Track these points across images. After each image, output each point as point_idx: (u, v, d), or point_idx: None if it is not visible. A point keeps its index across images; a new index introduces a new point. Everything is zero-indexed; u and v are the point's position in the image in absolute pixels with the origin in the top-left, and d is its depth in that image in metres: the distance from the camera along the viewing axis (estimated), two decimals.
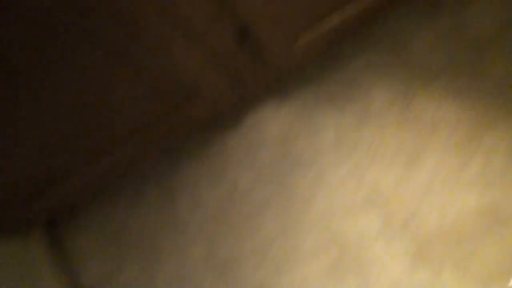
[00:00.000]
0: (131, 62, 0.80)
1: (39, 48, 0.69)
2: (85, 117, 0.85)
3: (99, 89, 0.81)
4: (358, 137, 1.15)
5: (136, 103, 0.88)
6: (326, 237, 1.08)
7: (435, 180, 1.06)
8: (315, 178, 1.14)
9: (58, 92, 0.77)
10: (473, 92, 1.11)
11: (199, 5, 0.77)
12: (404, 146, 1.11)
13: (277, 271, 1.07)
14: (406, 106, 1.14)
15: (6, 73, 0.70)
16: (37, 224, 1.07)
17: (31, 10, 0.64)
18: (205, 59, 0.88)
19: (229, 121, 1.24)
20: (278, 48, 0.97)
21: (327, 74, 1.21)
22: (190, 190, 1.20)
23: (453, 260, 0.99)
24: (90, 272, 1.18)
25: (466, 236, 1.01)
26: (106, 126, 0.91)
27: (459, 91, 1.13)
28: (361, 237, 1.06)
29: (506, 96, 1.09)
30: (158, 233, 1.18)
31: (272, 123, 1.22)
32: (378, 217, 1.06)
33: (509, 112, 1.07)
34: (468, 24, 1.15)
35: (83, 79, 0.78)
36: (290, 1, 0.88)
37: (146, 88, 0.87)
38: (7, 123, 0.78)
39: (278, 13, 0.89)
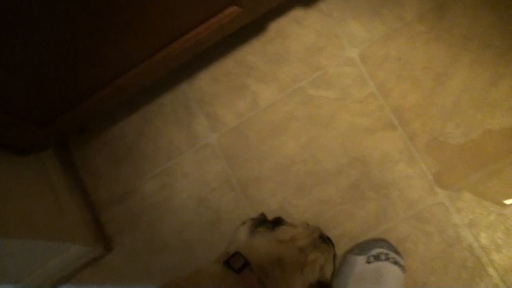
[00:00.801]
0: None
1: None
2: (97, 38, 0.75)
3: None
4: (385, 54, 1.08)
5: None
6: (348, 157, 1.06)
7: (462, 99, 1.03)
8: (339, 98, 1.09)
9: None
10: (510, 7, 1.04)
11: None
12: (433, 63, 1.05)
13: (297, 192, 1.07)
14: (438, 19, 1.06)
15: None
16: (49, 147, 1.01)
17: None
18: None
19: (250, 33, 1.15)
20: None
21: None
22: (208, 107, 1.14)
23: (474, 181, 1.00)
24: (104, 190, 1.15)
25: (488, 157, 1.00)
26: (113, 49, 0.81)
27: (497, 3, 1.04)
28: (383, 158, 1.04)
29: None
30: (174, 151, 1.14)
31: (295, 36, 1.13)
32: (401, 138, 1.04)
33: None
34: None
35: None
36: None
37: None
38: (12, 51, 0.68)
39: None
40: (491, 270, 0.97)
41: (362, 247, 0.97)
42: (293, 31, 1.14)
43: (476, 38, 1.04)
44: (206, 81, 1.15)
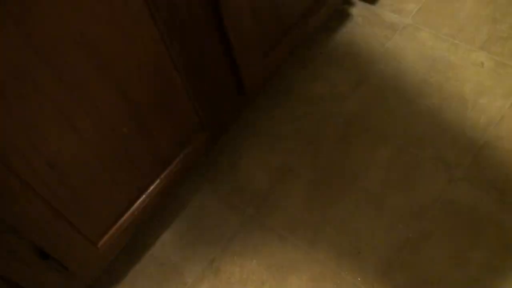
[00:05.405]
0: None
1: None
2: None
3: None
4: None
5: None
6: None
7: None
8: None
9: None
10: (267, 246, 1.16)
11: None
12: None
13: None
14: (214, 274, 1.14)
15: None
16: None
17: None
18: None
19: None
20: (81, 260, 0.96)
21: None
22: None
23: None
24: None
25: None
26: None
27: (255, 246, 1.16)
28: None
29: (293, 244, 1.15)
30: None
31: None
32: None
33: (302, 260, 1.14)
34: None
35: None
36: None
37: None
38: None
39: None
40: None
41: None
42: None
43: (249, 280, 1.12)
44: None
